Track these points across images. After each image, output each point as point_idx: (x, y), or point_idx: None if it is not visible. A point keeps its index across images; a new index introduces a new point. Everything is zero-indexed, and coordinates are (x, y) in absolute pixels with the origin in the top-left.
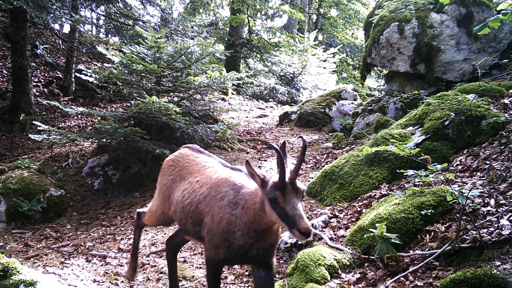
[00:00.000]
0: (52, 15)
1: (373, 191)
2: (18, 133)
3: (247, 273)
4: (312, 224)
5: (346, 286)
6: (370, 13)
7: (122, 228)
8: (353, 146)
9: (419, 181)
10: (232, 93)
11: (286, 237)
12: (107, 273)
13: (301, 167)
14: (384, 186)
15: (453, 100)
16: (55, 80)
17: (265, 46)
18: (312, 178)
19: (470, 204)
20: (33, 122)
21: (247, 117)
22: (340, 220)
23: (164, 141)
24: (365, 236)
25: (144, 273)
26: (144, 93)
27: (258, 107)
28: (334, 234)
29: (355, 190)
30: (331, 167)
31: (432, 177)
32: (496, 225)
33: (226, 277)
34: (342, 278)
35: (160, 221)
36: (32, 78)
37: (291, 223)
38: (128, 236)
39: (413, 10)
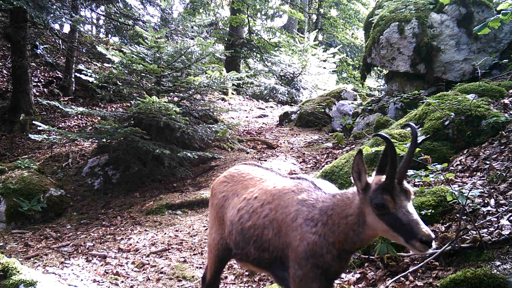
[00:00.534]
0: (52, 15)
1: None
2: (18, 133)
3: (247, 273)
4: None
5: (346, 286)
6: (370, 13)
7: (122, 228)
8: (353, 146)
9: (419, 181)
10: (232, 93)
11: None
12: (107, 273)
13: (301, 167)
14: None
15: (453, 100)
16: (55, 80)
17: (265, 46)
18: None
19: (470, 204)
20: (33, 122)
21: (247, 117)
22: None
23: (164, 141)
24: None
25: (144, 273)
26: (144, 93)
27: (258, 107)
28: None
29: None
30: (331, 167)
31: (432, 177)
32: (496, 225)
33: (226, 277)
34: (342, 278)
35: (219, 252)
36: (32, 78)
37: (408, 233)
38: (128, 236)
39: (413, 10)
